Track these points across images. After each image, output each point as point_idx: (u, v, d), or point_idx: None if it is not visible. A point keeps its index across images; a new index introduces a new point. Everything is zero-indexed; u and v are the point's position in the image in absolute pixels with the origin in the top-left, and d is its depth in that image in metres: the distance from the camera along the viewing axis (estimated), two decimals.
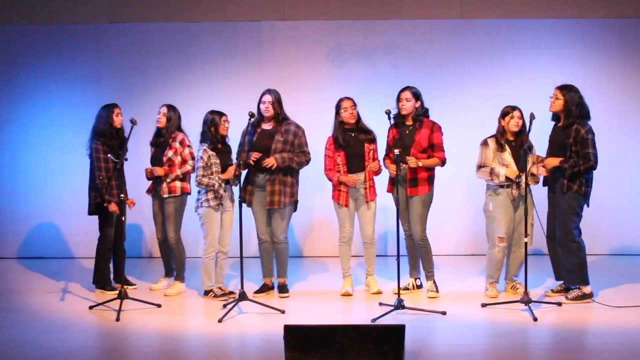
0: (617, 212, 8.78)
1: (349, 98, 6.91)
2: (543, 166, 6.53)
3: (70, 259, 8.83)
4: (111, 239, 7.10)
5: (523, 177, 6.45)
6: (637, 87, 8.79)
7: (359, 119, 6.93)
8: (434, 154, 6.76)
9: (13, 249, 9.00)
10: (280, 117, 6.89)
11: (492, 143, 6.71)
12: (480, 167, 6.74)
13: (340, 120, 6.89)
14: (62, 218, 8.94)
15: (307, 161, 6.95)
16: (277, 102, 6.88)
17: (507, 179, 6.57)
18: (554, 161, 6.45)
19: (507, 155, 6.62)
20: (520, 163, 6.47)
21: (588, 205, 6.55)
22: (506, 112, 6.68)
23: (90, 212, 7.10)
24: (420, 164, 6.65)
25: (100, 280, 7.13)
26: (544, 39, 8.80)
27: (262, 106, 6.88)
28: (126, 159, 6.86)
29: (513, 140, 6.67)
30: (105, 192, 6.89)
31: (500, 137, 6.68)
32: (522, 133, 6.65)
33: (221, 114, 6.87)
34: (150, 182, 7.17)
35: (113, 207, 6.92)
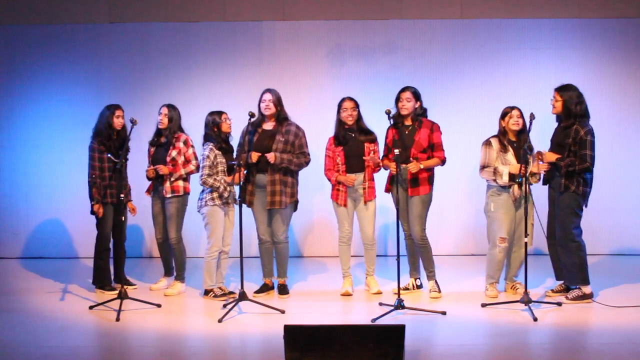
0: (617, 212, 8.78)
1: (351, 99, 6.92)
2: (540, 159, 6.54)
3: (70, 259, 8.83)
4: (107, 238, 7.10)
5: (522, 179, 6.47)
6: (637, 87, 8.79)
7: (359, 119, 6.93)
8: (434, 154, 6.77)
9: (13, 249, 9.00)
10: (281, 116, 6.90)
11: (495, 143, 6.71)
12: (483, 167, 6.74)
13: (340, 119, 6.91)
14: (62, 218, 8.94)
15: (307, 162, 6.95)
16: (278, 101, 6.89)
17: (511, 176, 6.58)
18: (552, 156, 6.47)
19: (510, 155, 6.62)
20: (521, 163, 6.46)
21: (586, 206, 6.55)
22: (505, 112, 6.71)
23: (91, 212, 7.12)
24: (422, 167, 6.66)
25: (99, 280, 7.13)
26: (544, 39, 8.80)
27: (262, 105, 6.88)
28: (127, 159, 6.85)
29: (515, 140, 6.68)
30: (95, 192, 6.92)
31: (503, 137, 6.69)
32: (523, 132, 6.66)
33: (220, 113, 6.88)
34: (150, 182, 7.17)
35: (97, 208, 6.95)
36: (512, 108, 6.69)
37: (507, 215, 6.67)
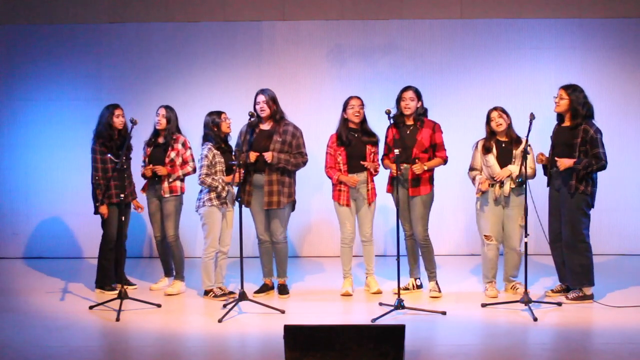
0: (617, 212, 8.78)
1: (358, 97, 6.92)
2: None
3: (70, 259, 8.82)
4: (112, 238, 7.10)
5: (506, 181, 6.56)
6: (637, 87, 8.79)
7: (364, 120, 6.93)
8: (437, 154, 6.78)
9: (13, 248, 9.00)
10: (277, 115, 6.89)
11: (480, 145, 6.76)
12: (470, 169, 6.85)
13: (346, 117, 6.90)
14: (62, 218, 8.93)
15: (304, 163, 6.94)
16: (272, 101, 6.87)
17: (492, 177, 6.64)
18: (568, 162, 6.37)
19: (491, 157, 6.65)
20: (521, 163, 6.47)
21: (593, 206, 6.54)
22: (488, 115, 6.73)
23: (95, 212, 7.12)
24: (426, 168, 6.66)
25: (101, 280, 7.13)
26: (544, 39, 8.80)
27: (257, 107, 6.88)
28: (130, 158, 6.85)
29: (506, 140, 6.69)
30: (100, 193, 6.91)
31: (488, 141, 6.71)
32: (510, 128, 6.68)
33: (220, 113, 6.89)
34: (145, 180, 7.17)
35: (103, 210, 6.94)
36: (492, 110, 6.72)
37: (491, 213, 6.71)
